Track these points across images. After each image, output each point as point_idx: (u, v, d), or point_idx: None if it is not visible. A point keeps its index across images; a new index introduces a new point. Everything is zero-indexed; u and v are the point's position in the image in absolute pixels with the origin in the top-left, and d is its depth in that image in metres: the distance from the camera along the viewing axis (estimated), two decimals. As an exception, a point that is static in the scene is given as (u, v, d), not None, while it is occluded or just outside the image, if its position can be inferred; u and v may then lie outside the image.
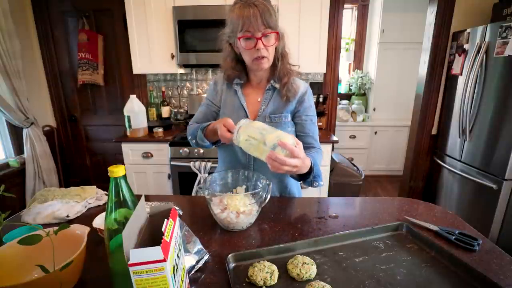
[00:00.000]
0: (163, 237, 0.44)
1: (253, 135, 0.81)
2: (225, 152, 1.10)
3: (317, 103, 2.55)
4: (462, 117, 2.19)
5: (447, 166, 2.41)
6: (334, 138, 2.25)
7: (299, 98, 1.04)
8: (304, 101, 1.04)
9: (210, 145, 1.06)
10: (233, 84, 1.06)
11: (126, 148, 2.25)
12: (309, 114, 1.06)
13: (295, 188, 1.15)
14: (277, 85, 1.03)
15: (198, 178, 2.12)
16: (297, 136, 1.06)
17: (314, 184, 0.93)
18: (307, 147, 1.04)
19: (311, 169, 0.88)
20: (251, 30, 0.88)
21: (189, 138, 1.12)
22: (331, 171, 2.35)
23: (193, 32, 2.19)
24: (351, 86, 4.00)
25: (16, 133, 2.42)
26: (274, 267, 0.63)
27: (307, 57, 2.24)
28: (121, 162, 2.26)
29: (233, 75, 1.05)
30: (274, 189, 1.09)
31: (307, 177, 0.91)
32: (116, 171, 0.52)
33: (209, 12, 2.12)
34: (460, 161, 2.29)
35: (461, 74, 2.24)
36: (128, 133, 2.28)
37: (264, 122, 1.02)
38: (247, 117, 1.04)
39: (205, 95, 2.59)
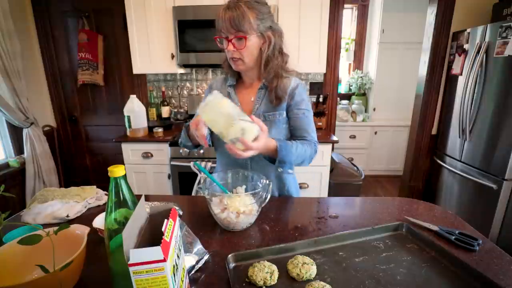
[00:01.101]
0: (163, 237, 0.43)
1: (217, 119, 0.80)
2: (222, 153, 1.10)
3: (317, 103, 2.55)
4: (462, 117, 2.19)
5: (447, 166, 2.41)
6: (334, 138, 2.25)
7: (289, 93, 1.03)
8: (295, 95, 1.03)
9: (193, 147, 1.06)
10: (227, 87, 1.08)
11: (126, 148, 2.25)
12: (301, 108, 1.04)
13: (293, 187, 1.15)
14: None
15: (198, 178, 2.12)
16: (290, 130, 1.06)
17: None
18: (299, 140, 1.02)
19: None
20: (224, 32, 0.92)
21: (179, 139, 1.12)
22: (331, 171, 2.35)
23: (193, 32, 2.19)
24: (351, 86, 4.00)
25: (16, 133, 2.42)
26: (274, 267, 0.63)
27: (307, 57, 2.24)
28: (121, 162, 2.26)
29: (226, 70, 1.07)
30: (273, 188, 1.09)
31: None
32: (116, 171, 0.52)
33: (209, 12, 2.12)
34: (460, 161, 2.29)
35: (461, 74, 2.24)
36: (128, 133, 2.28)
37: None
38: None
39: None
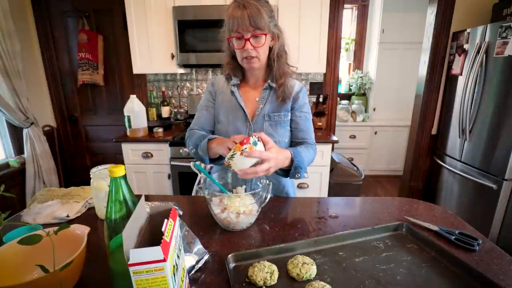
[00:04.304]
0: (163, 237, 0.43)
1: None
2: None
3: (317, 103, 2.55)
4: (462, 117, 2.19)
5: (447, 166, 2.41)
6: (334, 138, 2.24)
7: (294, 96, 1.06)
8: (299, 98, 1.06)
9: (208, 161, 1.00)
10: (230, 86, 1.07)
11: (126, 148, 2.25)
12: (303, 111, 1.07)
13: (290, 187, 1.16)
14: (274, 85, 1.04)
15: (198, 178, 2.12)
16: (291, 131, 1.08)
17: (296, 176, 0.93)
18: (300, 142, 1.06)
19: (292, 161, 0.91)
20: (240, 31, 0.90)
21: (190, 147, 1.07)
22: (331, 171, 2.35)
23: (193, 32, 2.19)
24: (351, 86, 4.00)
25: (16, 133, 2.42)
26: (274, 267, 0.63)
27: (307, 57, 2.24)
28: (121, 162, 2.26)
29: (229, 71, 1.06)
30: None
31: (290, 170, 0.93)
32: (116, 171, 0.52)
33: (209, 12, 2.12)
34: (460, 161, 2.29)
35: (461, 74, 2.24)
36: (128, 133, 2.28)
37: (263, 121, 1.03)
38: (246, 117, 1.04)
39: (205, 95, 2.59)
